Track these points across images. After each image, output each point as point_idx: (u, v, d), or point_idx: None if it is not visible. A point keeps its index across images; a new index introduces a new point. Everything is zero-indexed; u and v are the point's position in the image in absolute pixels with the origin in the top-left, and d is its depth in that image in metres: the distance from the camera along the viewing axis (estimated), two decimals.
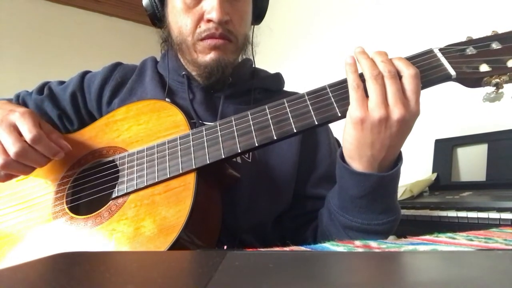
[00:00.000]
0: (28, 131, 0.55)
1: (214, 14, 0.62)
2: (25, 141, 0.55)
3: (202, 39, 0.65)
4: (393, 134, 0.48)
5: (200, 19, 0.65)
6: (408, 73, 0.49)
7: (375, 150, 0.49)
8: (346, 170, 0.52)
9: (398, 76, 0.49)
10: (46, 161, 0.58)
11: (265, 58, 1.07)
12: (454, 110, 1.32)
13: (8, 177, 0.59)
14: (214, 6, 0.62)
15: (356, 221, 0.54)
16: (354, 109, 0.49)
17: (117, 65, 0.78)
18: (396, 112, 0.47)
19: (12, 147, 0.54)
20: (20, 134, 0.56)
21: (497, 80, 0.50)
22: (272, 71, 0.82)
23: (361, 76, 0.50)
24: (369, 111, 0.48)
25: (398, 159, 0.53)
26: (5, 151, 0.55)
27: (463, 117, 1.30)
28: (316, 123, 0.51)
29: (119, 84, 0.75)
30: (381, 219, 0.54)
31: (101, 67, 0.79)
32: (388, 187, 0.53)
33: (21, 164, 0.56)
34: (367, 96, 0.49)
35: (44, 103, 0.73)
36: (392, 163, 0.53)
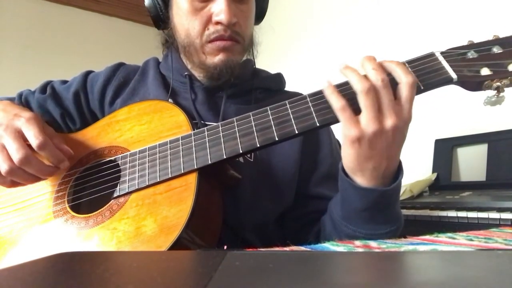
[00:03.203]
0: (34, 137, 0.55)
1: (223, 16, 0.62)
2: (29, 147, 0.55)
3: (211, 41, 0.65)
4: (389, 143, 0.48)
5: (208, 21, 0.65)
6: (406, 80, 0.48)
7: (375, 162, 0.50)
8: (349, 184, 0.52)
9: (391, 83, 0.48)
10: (49, 171, 0.58)
11: (266, 57, 1.07)
12: (454, 110, 1.32)
13: (14, 184, 0.58)
14: (222, 9, 0.62)
15: (360, 231, 0.54)
16: (347, 129, 0.49)
17: (120, 65, 0.79)
18: (389, 122, 0.47)
19: (17, 154, 0.54)
20: (25, 140, 0.56)
21: (498, 83, 0.50)
22: (274, 70, 0.82)
23: (346, 85, 0.50)
24: (363, 127, 0.48)
25: (399, 170, 0.53)
26: (9, 158, 0.55)
27: (463, 117, 1.30)
28: (318, 124, 0.51)
29: (121, 84, 0.75)
30: (384, 229, 0.54)
31: (101, 67, 0.79)
32: (391, 199, 0.53)
33: (25, 172, 0.56)
34: (356, 110, 0.49)
35: (47, 102, 0.73)
36: (394, 173, 0.53)
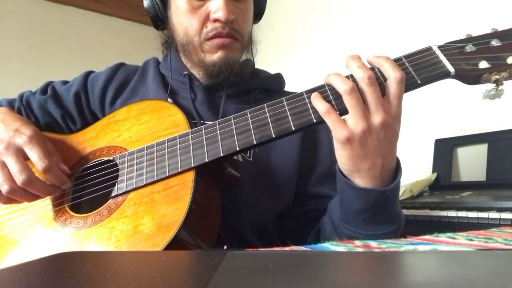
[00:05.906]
0: (39, 160, 0.55)
1: (220, 14, 0.63)
2: (31, 165, 0.55)
3: (209, 39, 0.65)
4: (381, 140, 0.48)
5: (206, 19, 0.65)
6: (394, 76, 0.48)
7: (370, 161, 0.49)
8: (347, 185, 0.52)
9: (377, 80, 0.48)
10: (51, 190, 0.58)
11: (266, 56, 1.07)
12: (454, 110, 1.32)
13: (10, 201, 0.58)
14: (220, 6, 0.63)
15: (360, 232, 0.54)
16: (336, 131, 0.49)
17: (120, 65, 0.79)
18: (377, 118, 0.47)
19: (20, 176, 0.54)
20: (26, 158, 0.56)
21: (497, 76, 0.50)
22: (273, 69, 0.82)
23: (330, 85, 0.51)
24: (351, 127, 0.48)
25: (397, 169, 0.53)
26: (11, 178, 0.55)
27: (463, 117, 1.30)
28: (314, 121, 0.51)
29: (121, 85, 0.75)
30: (384, 229, 0.54)
31: (101, 67, 0.79)
32: (390, 199, 0.53)
33: (27, 192, 0.56)
34: (344, 110, 0.49)
35: (48, 103, 0.73)
36: (393, 172, 0.52)
